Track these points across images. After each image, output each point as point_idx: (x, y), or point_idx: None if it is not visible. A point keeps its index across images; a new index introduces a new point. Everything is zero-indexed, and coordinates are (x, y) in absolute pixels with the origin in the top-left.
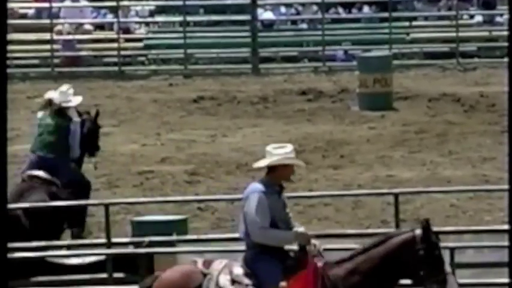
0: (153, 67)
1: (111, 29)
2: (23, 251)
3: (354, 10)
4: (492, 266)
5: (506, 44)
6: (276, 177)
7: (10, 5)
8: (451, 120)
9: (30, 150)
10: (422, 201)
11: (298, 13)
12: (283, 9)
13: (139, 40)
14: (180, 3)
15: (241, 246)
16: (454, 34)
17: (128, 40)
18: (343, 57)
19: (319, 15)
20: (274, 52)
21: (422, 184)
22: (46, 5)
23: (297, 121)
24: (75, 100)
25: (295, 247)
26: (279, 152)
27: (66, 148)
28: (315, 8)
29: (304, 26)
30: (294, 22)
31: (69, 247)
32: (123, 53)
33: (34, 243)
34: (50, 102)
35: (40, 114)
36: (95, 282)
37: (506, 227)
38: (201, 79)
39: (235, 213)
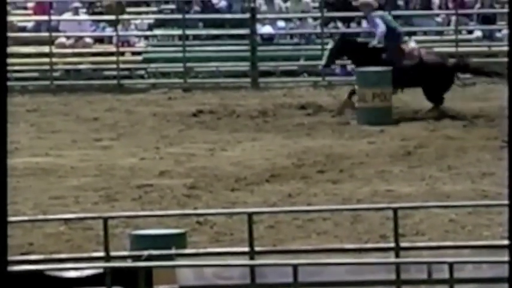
0: (152, 80)
1: (110, 42)
2: (20, 264)
3: (353, 24)
4: (491, 281)
5: (505, 59)
6: None
7: (9, 18)
8: (451, 135)
9: None
10: (422, 216)
11: (297, 27)
12: (282, 24)
13: (139, 53)
14: (180, 16)
15: (240, 261)
16: (453, 49)
17: (127, 53)
18: (339, 72)
19: (318, 30)
20: (273, 66)
21: (421, 199)
22: (45, 18)
23: (296, 135)
24: None
25: None
26: None
27: None
28: (314, 22)
29: (304, 40)
30: (293, 36)
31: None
32: (122, 66)
33: (33, 257)
34: None
35: None
36: None
37: (505, 242)
38: (200, 93)
39: (234, 227)
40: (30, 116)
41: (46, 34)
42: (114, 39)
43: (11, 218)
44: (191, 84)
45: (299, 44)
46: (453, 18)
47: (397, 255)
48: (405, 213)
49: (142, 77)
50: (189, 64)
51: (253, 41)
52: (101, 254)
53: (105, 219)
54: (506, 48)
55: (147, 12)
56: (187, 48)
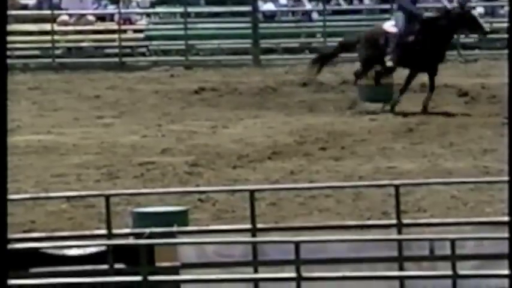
0: (154, 58)
1: (112, 20)
2: (22, 241)
3: (355, 1)
4: (493, 257)
5: (507, 35)
6: None
7: None
8: (452, 112)
9: None
10: (423, 193)
11: (299, 5)
12: (284, 1)
13: (140, 31)
14: None
15: (242, 238)
16: None
17: (128, 31)
18: None
19: (320, 7)
20: (275, 43)
21: (423, 176)
22: None
23: (298, 112)
24: None
25: None
26: None
27: None
28: None
29: (305, 17)
30: (294, 13)
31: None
32: (124, 44)
33: (34, 234)
34: None
35: None
36: (95, 273)
37: (506, 218)
38: (202, 70)
39: (236, 204)
40: (31, 94)
41: (48, 12)
42: (116, 17)
43: (12, 196)
44: (193, 62)
45: (301, 21)
46: None
47: (399, 232)
48: (407, 190)
49: (144, 54)
50: (190, 42)
51: (255, 18)
52: (103, 231)
53: (107, 197)
54: (507, 25)
55: None
56: (189, 26)
